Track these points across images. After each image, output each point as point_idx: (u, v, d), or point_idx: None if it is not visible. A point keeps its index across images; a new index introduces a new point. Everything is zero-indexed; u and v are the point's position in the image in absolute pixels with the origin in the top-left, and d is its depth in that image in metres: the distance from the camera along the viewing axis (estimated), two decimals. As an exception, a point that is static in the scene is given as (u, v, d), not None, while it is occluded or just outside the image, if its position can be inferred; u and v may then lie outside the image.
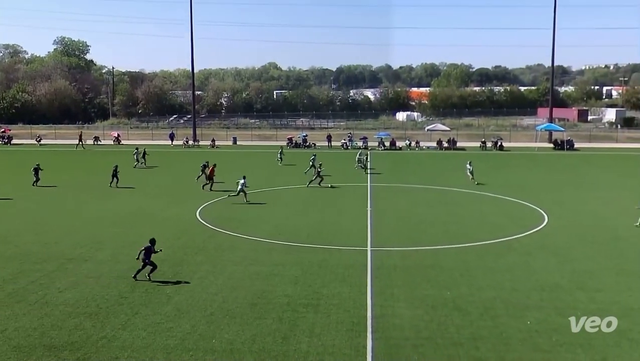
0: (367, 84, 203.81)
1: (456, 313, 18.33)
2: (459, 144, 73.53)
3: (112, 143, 78.55)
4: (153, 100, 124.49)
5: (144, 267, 21.57)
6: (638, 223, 28.95)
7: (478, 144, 73.02)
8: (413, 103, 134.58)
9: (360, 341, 16.35)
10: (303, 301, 19.39)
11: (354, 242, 26.82)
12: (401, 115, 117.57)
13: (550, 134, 78.77)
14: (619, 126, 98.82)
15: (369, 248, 25.69)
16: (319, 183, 41.58)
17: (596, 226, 30.20)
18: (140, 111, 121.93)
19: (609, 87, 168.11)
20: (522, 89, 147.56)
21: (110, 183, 42.01)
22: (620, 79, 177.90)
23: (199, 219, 31.76)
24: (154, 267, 21.74)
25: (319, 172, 42.39)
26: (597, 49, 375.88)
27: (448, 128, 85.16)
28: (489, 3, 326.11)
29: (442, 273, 22.28)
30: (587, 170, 52.44)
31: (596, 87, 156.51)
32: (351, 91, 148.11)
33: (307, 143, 74.24)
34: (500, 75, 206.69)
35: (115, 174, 42.28)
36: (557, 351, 15.77)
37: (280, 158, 55.55)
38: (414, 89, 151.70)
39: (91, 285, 20.93)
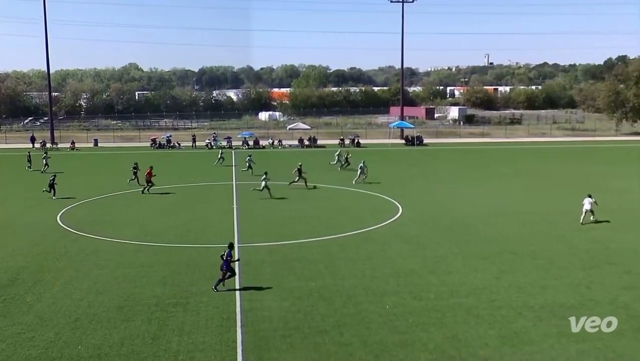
0: (230, 84, 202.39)
1: (321, 303, 18.72)
2: (319, 142, 75.00)
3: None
4: (5, 101, 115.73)
5: (224, 276, 19.91)
6: (582, 221, 29.68)
7: (337, 142, 74.91)
8: (275, 103, 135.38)
9: (230, 336, 16.25)
10: (172, 300, 18.94)
11: (222, 239, 26.56)
12: (264, 115, 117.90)
13: (402, 131, 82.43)
14: (461, 123, 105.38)
15: (236, 245, 25.55)
16: (306, 185, 40.33)
17: (444, 215, 32.03)
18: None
19: (452, 87, 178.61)
20: (376, 89, 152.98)
21: (52, 195, 37.17)
22: (462, 79, 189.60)
23: (60, 223, 30.02)
24: (233, 273, 20.31)
25: (301, 173, 40.85)
26: (441, 52, 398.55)
27: (309, 127, 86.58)
28: (343, 8, 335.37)
29: (307, 265, 22.66)
30: (435, 164, 55.44)
31: (441, 87, 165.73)
32: (214, 92, 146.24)
33: (172, 144, 72.46)
34: (355, 76, 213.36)
35: (52, 184, 37.50)
36: (414, 332, 16.57)
37: (222, 158, 54.24)
38: (275, 90, 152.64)
39: (-59, 299, 19.16)
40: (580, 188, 40.16)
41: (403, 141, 77.79)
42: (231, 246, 20.27)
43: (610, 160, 57.14)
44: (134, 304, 18.61)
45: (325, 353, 15.33)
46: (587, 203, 30.20)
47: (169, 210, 33.44)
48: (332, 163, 52.66)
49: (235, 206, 34.34)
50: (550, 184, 42.43)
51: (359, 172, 43.43)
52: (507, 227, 29.17)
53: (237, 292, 19.59)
